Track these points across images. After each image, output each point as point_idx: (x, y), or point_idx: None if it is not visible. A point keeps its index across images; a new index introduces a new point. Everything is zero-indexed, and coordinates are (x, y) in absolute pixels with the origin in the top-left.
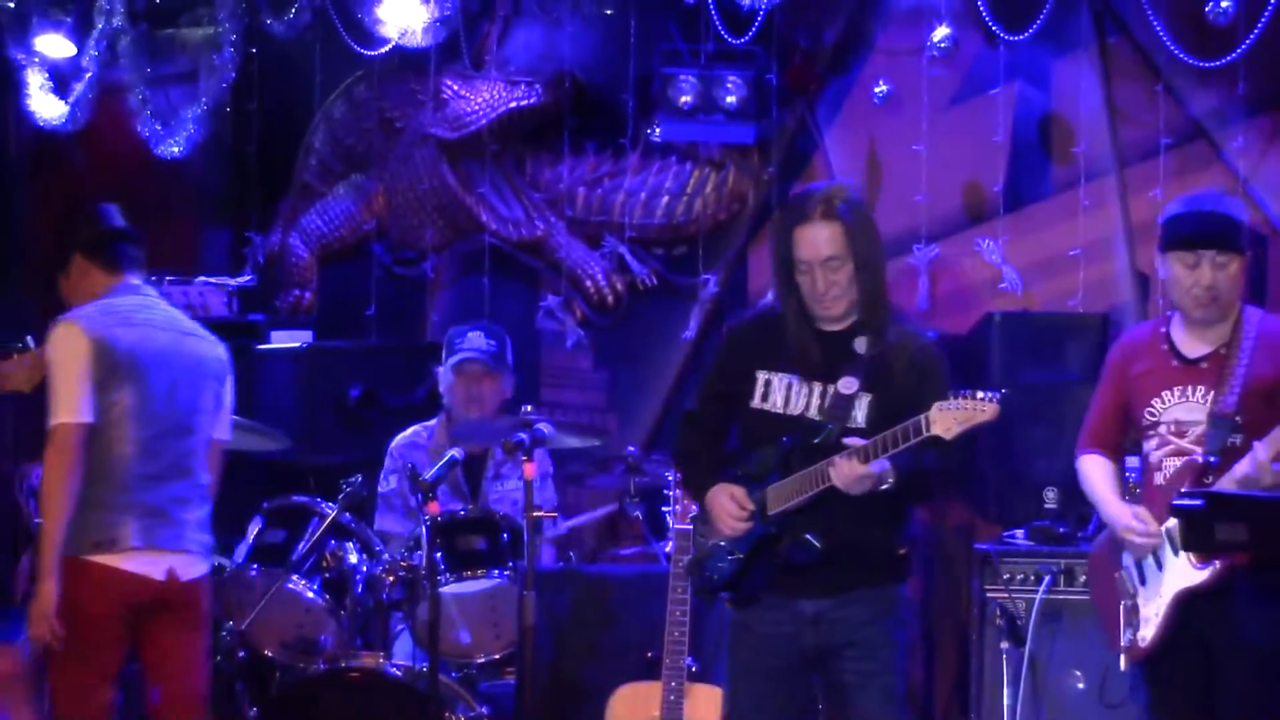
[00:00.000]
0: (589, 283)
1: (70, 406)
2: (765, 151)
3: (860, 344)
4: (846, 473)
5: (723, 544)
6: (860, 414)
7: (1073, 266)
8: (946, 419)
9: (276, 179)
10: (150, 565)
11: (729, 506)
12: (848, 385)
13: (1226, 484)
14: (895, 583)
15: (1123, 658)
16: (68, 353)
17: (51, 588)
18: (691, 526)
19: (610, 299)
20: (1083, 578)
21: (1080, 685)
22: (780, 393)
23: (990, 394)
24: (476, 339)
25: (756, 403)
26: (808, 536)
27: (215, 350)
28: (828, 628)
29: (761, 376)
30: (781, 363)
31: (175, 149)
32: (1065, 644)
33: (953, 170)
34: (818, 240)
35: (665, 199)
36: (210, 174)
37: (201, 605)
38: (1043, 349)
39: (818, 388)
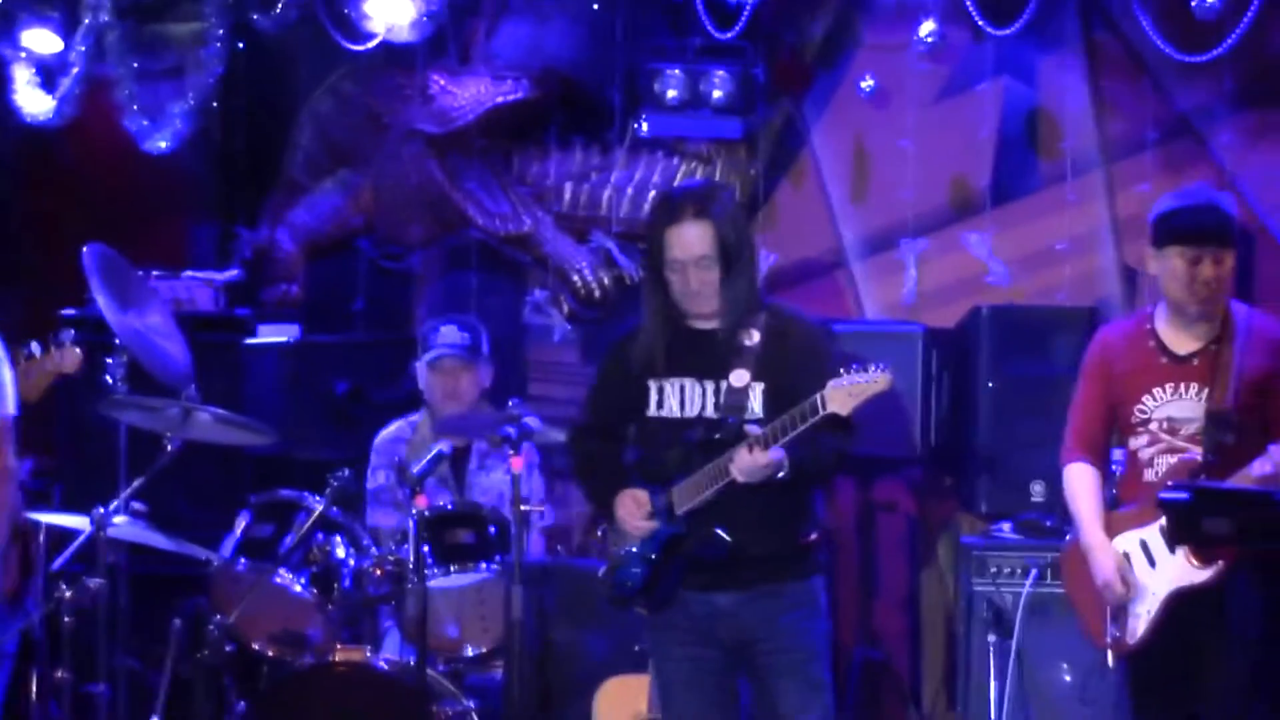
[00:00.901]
0: (576, 277)
1: None
2: (752, 146)
3: (745, 335)
4: (746, 462)
5: (634, 550)
6: (755, 404)
7: (1059, 260)
8: (840, 395)
9: (264, 174)
10: None
11: (630, 508)
12: (739, 378)
13: (1241, 483)
14: (805, 576)
15: (1109, 654)
16: None
17: None
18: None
19: (597, 293)
20: None
21: (1067, 678)
22: (674, 397)
23: (880, 365)
24: (450, 334)
25: (653, 411)
26: (717, 531)
27: None
28: (740, 622)
29: (653, 385)
30: (669, 368)
31: (162, 144)
32: (1052, 637)
33: (939, 165)
34: (689, 239)
35: (653, 193)
36: (197, 169)
37: None
38: (1030, 342)
39: (710, 385)
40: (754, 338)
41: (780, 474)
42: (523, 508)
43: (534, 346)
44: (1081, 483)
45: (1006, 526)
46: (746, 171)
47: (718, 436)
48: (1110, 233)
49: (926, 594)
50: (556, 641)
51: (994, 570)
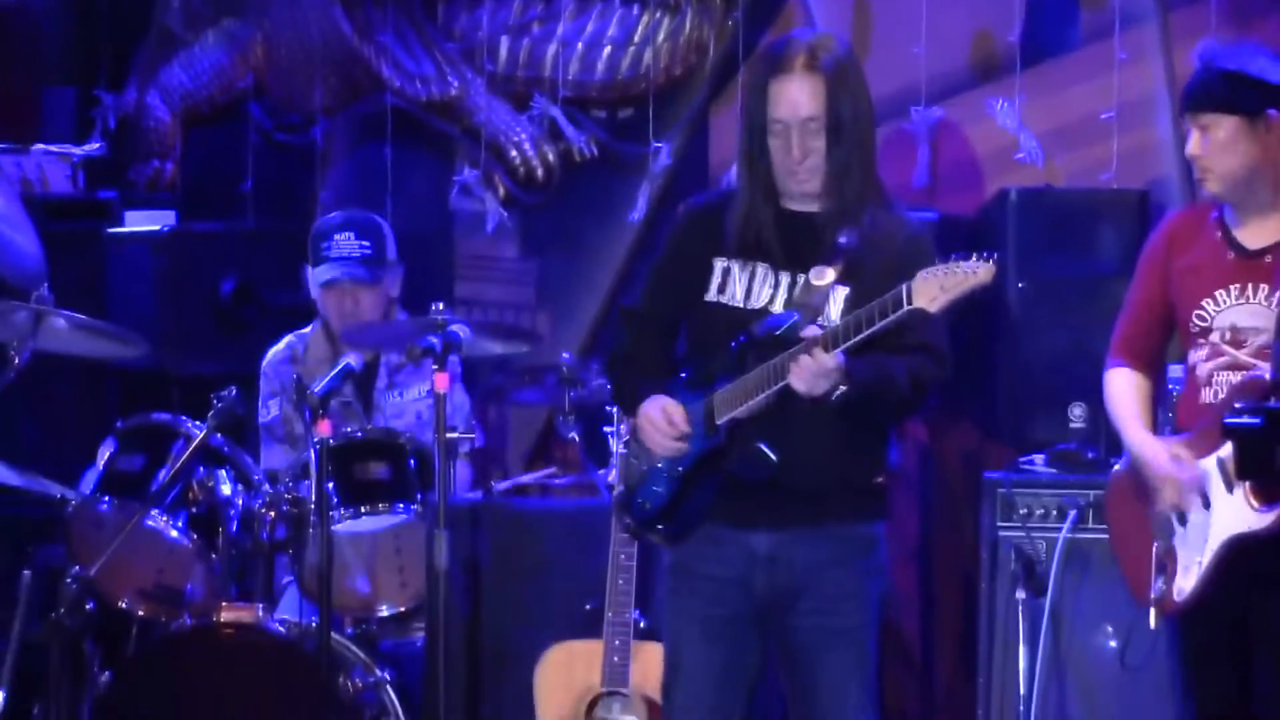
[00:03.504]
0: (514, 152)
1: None
2: None
3: (842, 228)
4: (807, 365)
5: (659, 466)
6: (834, 310)
7: (1105, 133)
8: (929, 287)
9: (131, 25)
10: None
11: (658, 421)
12: (820, 274)
13: None
14: (869, 520)
15: (1152, 611)
16: None
17: None
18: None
19: (540, 172)
20: None
21: (1112, 644)
22: (741, 283)
23: (984, 254)
24: (345, 243)
25: (712, 295)
26: (760, 447)
27: None
28: (784, 569)
29: (719, 264)
30: (745, 249)
31: None
32: (1094, 593)
33: (959, 15)
34: (798, 96)
35: (608, 50)
36: (50, 19)
37: None
38: (1068, 234)
39: (785, 278)
40: (854, 233)
41: (837, 394)
42: (449, 435)
43: (463, 237)
44: (1117, 385)
45: (1039, 459)
46: (723, 22)
47: (778, 334)
48: (1167, 99)
49: (941, 542)
50: (490, 599)
51: (1024, 512)
